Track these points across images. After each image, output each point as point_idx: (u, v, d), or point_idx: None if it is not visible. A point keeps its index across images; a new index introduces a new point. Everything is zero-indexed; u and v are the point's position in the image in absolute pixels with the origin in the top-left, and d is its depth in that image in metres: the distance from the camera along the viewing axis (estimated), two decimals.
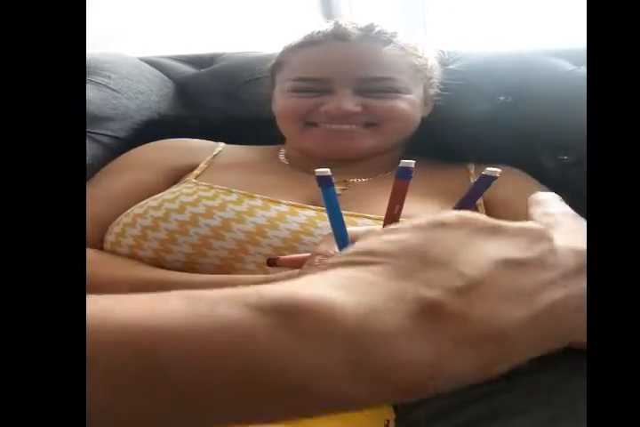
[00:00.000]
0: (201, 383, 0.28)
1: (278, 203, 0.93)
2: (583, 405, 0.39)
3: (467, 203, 0.55)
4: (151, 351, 0.27)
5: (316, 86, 1.03)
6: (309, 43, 1.06)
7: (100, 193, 1.05)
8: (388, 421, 0.86)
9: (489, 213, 1.00)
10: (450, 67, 1.23)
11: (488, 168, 0.53)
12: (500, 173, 0.54)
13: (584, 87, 0.46)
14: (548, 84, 1.15)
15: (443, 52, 1.27)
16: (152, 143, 1.18)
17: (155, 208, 0.93)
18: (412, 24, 1.94)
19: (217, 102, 1.39)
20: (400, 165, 0.56)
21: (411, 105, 1.04)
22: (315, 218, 0.90)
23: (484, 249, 0.34)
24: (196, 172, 1.06)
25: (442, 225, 0.35)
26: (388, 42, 1.04)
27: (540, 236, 0.36)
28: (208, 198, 0.93)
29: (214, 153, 1.13)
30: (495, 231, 0.35)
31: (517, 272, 0.33)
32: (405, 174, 0.56)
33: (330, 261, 0.36)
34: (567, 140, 1.09)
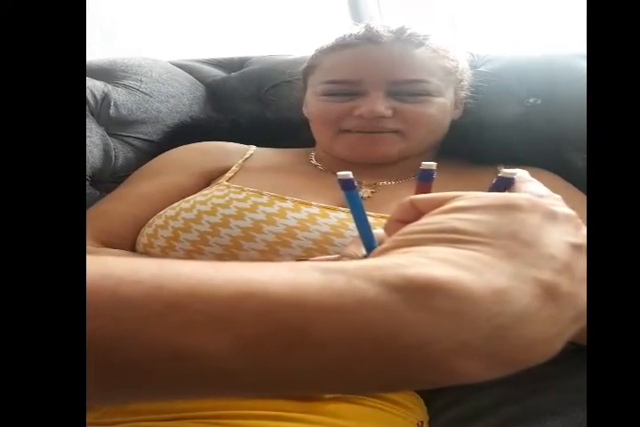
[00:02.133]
0: (344, 356, 0.29)
1: (309, 205, 0.94)
2: None
3: None
4: (305, 326, 0.29)
5: (348, 89, 1.03)
6: (342, 46, 1.06)
7: (135, 195, 1.07)
8: (422, 422, 0.86)
9: None
10: (480, 69, 1.22)
11: (504, 169, 0.52)
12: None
13: None
14: (578, 86, 1.14)
15: (472, 55, 1.27)
16: (187, 146, 1.18)
17: (186, 210, 0.94)
18: (441, 27, 1.94)
19: (247, 105, 1.40)
20: (421, 167, 0.54)
21: (441, 109, 1.04)
22: (345, 220, 0.90)
23: (554, 233, 0.36)
24: (228, 174, 1.07)
25: (516, 207, 0.36)
26: (420, 44, 1.04)
27: (579, 223, 0.39)
28: (239, 200, 0.94)
29: (246, 156, 1.14)
30: (555, 216, 0.37)
31: (578, 256, 0.36)
32: (427, 176, 0.55)
33: (406, 237, 0.37)
34: None
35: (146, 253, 0.96)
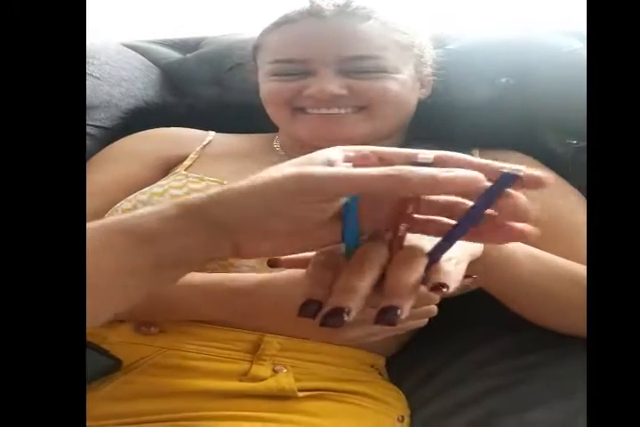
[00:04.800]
0: None
1: None
2: None
3: (482, 206, 0.47)
4: None
5: (296, 68, 0.98)
6: (284, 22, 1.01)
7: (90, 187, 0.99)
8: (403, 416, 0.85)
9: None
10: (449, 47, 1.18)
11: (508, 166, 0.45)
12: (504, 158, 0.47)
13: None
14: (552, 64, 1.11)
15: (441, 33, 1.22)
16: (140, 133, 1.13)
17: (143, 202, 0.89)
18: (407, 5, 1.89)
19: (205, 88, 1.35)
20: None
21: (402, 85, 0.98)
22: None
23: None
24: (187, 163, 1.02)
25: None
26: (367, 18, 0.98)
27: None
28: (198, 191, 0.89)
29: (204, 143, 1.09)
30: None
31: None
32: None
33: None
34: (574, 123, 1.04)
35: None
